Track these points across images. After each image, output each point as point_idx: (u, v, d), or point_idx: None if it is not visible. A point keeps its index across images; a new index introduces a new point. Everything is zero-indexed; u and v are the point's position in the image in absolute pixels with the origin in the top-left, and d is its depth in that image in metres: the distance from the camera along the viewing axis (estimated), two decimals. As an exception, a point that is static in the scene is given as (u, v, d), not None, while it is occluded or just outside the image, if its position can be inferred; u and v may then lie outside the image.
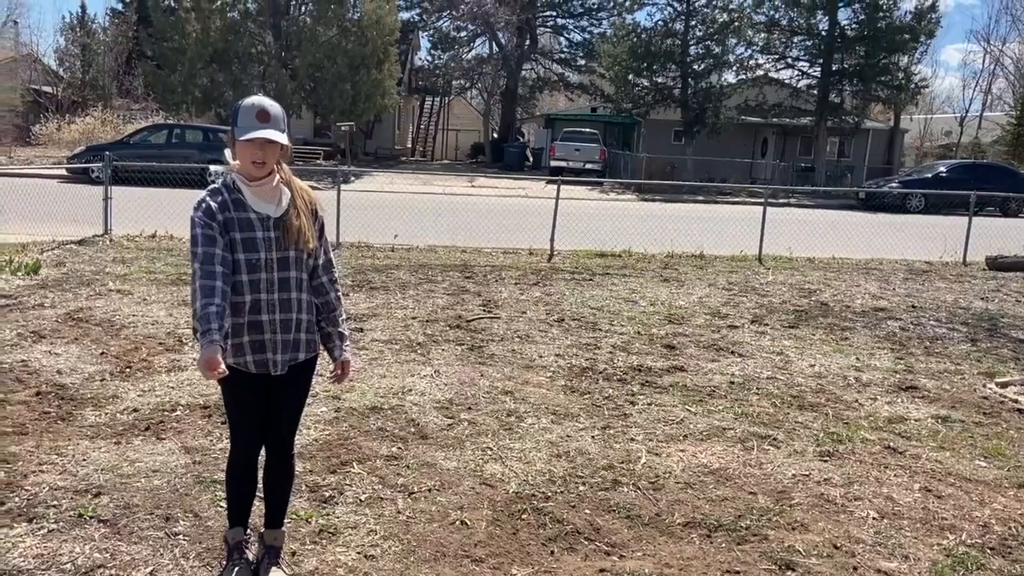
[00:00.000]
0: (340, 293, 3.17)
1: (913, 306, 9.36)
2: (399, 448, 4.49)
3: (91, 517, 3.55)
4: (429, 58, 42.93)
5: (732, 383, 6.01)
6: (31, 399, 4.93)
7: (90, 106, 31.53)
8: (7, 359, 5.62)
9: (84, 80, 37.03)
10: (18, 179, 13.91)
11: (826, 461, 4.61)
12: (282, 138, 2.87)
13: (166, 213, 11.88)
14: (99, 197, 11.78)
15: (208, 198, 2.87)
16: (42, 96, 33.20)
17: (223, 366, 2.68)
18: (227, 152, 2.96)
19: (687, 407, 5.42)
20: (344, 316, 3.18)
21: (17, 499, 3.67)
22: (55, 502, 3.66)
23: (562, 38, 43.17)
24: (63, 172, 19.71)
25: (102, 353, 5.93)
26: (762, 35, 31.16)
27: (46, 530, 3.42)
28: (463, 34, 40.96)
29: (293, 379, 3.05)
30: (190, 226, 2.85)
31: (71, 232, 10.94)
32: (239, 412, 3.08)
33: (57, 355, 5.81)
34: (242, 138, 2.81)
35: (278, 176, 2.92)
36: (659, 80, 30.91)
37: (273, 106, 2.89)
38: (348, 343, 3.19)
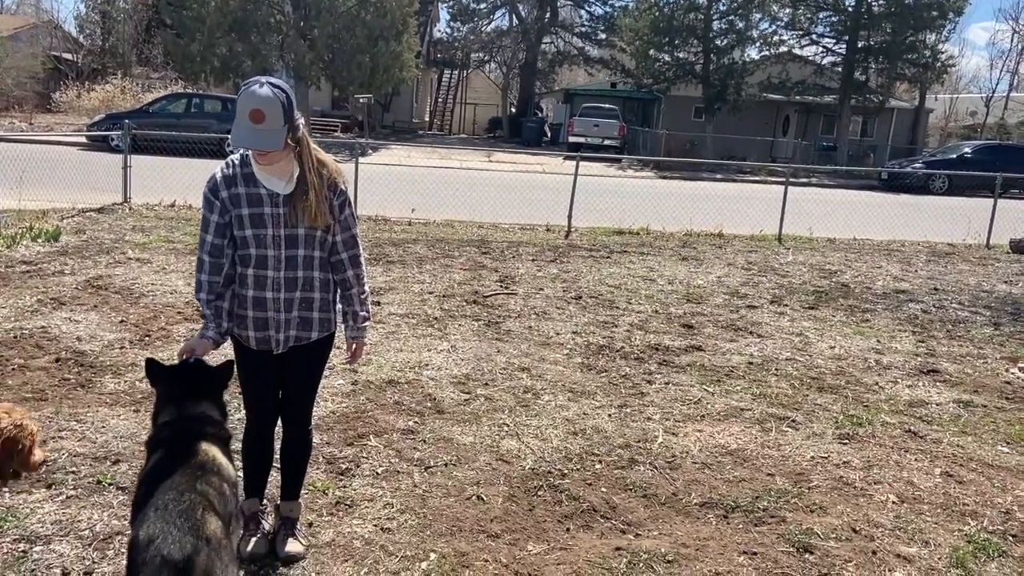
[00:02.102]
0: (362, 272, 3.04)
1: (935, 289, 9.25)
2: (416, 422, 4.49)
3: (110, 484, 3.57)
4: (448, 30, 42.63)
5: (750, 363, 5.96)
6: (51, 365, 4.96)
7: (110, 74, 31.55)
8: (27, 325, 5.66)
9: (104, 48, 37.06)
10: (39, 146, 13.95)
11: (845, 444, 4.56)
12: (275, 142, 2.69)
13: (185, 182, 11.87)
14: (119, 165, 11.79)
15: (219, 171, 2.85)
16: (62, 63, 33.22)
17: (196, 356, 2.82)
18: None
19: (704, 387, 5.38)
20: (365, 294, 3.07)
21: (37, 465, 3.69)
22: (74, 468, 3.69)
23: (583, 11, 42.61)
24: (83, 140, 19.77)
25: (121, 321, 5.96)
26: (787, 10, 30.57)
27: (65, 496, 3.45)
28: (483, 6, 40.55)
29: (304, 356, 3.03)
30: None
31: (91, 200, 10.97)
32: (249, 384, 3.09)
33: (77, 322, 5.84)
34: (232, 145, 2.73)
35: (291, 153, 2.79)
36: (680, 55, 30.46)
37: (270, 101, 2.65)
38: (365, 324, 3.08)
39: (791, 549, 3.40)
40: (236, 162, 2.86)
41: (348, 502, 3.57)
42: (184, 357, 2.82)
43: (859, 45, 29.93)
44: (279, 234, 2.85)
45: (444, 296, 7.40)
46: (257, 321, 2.93)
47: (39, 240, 8.49)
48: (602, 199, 13.50)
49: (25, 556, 3.02)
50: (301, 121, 2.80)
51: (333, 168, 2.93)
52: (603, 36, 40.29)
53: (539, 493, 3.77)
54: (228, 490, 2.53)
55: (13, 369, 4.84)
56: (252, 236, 2.84)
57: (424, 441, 4.25)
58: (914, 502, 3.90)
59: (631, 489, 3.86)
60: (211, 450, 2.59)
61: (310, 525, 3.36)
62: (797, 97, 31.35)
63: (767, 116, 32.78)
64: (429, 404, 4.77)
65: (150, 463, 2.56)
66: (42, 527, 3.21)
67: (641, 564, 3.22)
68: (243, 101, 2.66)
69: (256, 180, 2.82)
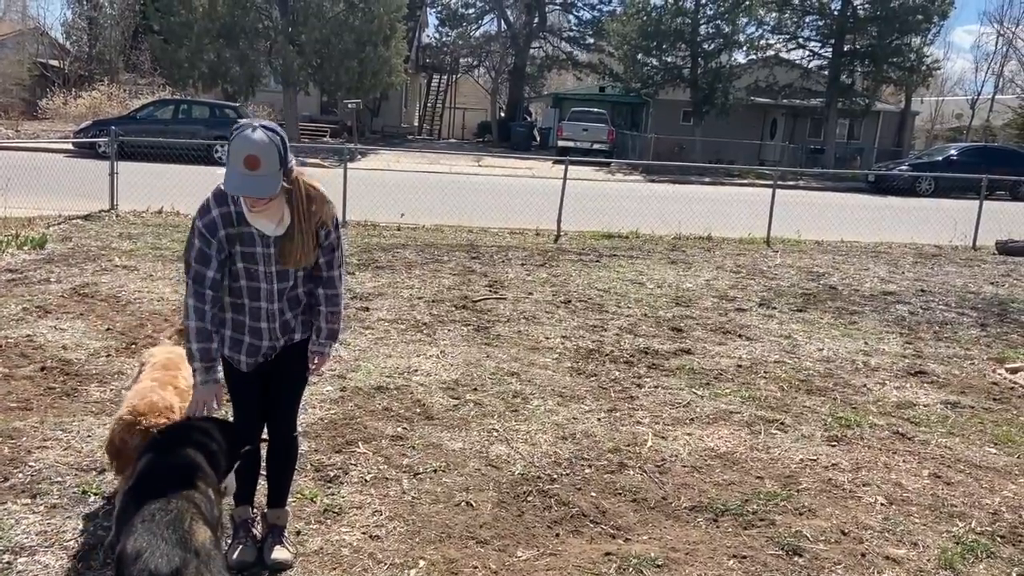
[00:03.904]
0: (335, 292, 3.01)
1: (922, 290, 9.29)
2: (405, 428, 4.47)
3: (95, 494, 3.54)
4: (437, 35, 42.65)
5: (739, 366, 5.97)
6: (36, 374, 4.92)
7: (97, 80, 31.36)
8: (12, 334, 5.61)
9: (91, 54, 36.86)
10: (24, 153, 13.84)
11: (834, 446, 4.57)
12: (271, 188, 2.63)
13: (173, 189, 11.85)
14: (105, 172, 11.73)
15: (213, 207, 2.77)
16: (49, 70, 33.03)
17: (217, 402, 2.90)
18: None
19: (694, 390, 5.38)
20: (335, 313, 3.04)
21: (21, 475, 3.66)
22: (59, 478, 3.66)
23: (571, 16, 42.73)
24: (69, 147, 19.65)
25: (107, 329, 5.92)
26: (773, 14, 30.75)
27: (50, 506, 3.42)
28: (471, 11, 40.61)
29: (289, 358, 3.05)
30: (190, 231, 2.82)
31: (77, 207, 10.90)
32: (236, 395, 3.10)
33: (62, 330, 5.80)
34: (225, 189, 2.68)
35: (283, 196, 2.75)
36: (668, 59, 30.57)
37: (265, 146, 2.60)
38: (329, 340, 3.07)
39: (780, 552, 3.41)
40: (230, 200, 2.78)
41: (336, 509, 3.55)
42: (197, 412, 2.86)
43: (845, 49, 30.11)
44: (271, 271, 2.86)
45: (433, 301, 7.38)
46: (251, 348, 2.97)
47: (25, 248, 8.43)
48: (591, 203, 13.53)
49: (9, 567, 2.98)
50: (294, 163, 2.78)
51: (323, 209, 2.87)
52: (591, 41, 40.42)
53: (528, 498, 3.76)
54: (212, 493, 2.52)
55: (-2, 378, 4.80)
56: (243, 269, 2.85)
57: (413, 447, 4.23)
58: (903, 504, 3.91)
59: (621, 493, 3.86)
60: (196, 456, 2.59)
61: (298, 533, 3.33)
62: (784, 100, 31.53)
63: (755, 119, 32.94)
64: (418, 410, 4.75)
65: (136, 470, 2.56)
66: (27, 538, 3.18)
67: (631, 569, 3.21)
68: (236, 146, 2.60)
69: (246, 219, 2.78)
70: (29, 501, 3.45)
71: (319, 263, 2.96)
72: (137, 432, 2.97)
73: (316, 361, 3.10)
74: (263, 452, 3.25)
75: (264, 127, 2.65)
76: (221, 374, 2.92)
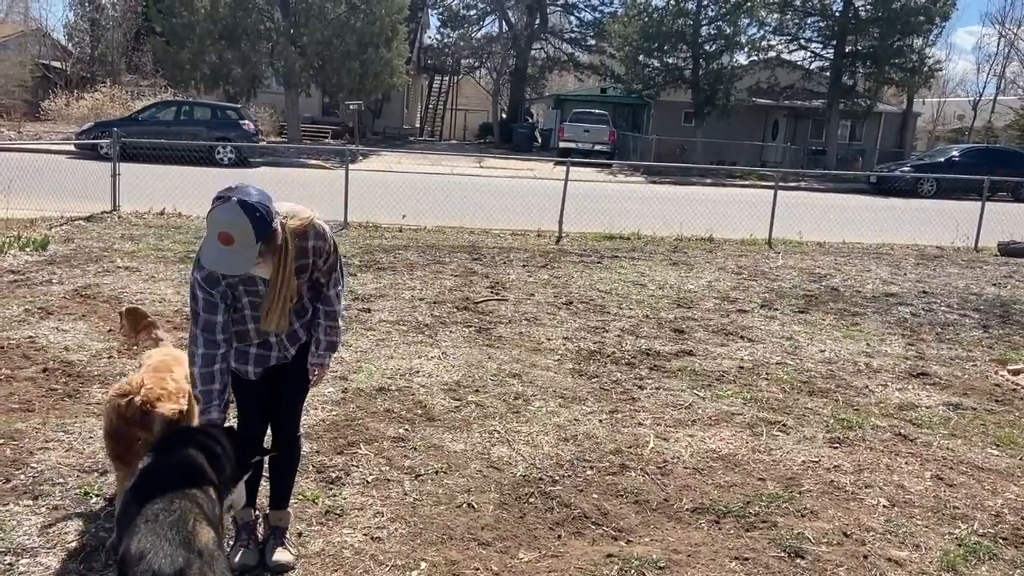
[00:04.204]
0: (333, 308, 2.99)
1: (924, 292, 9.28)
2: (406, 430, 4.47)
3: (97, 495, 3.54)
4: (438, 36, 42.73)
5: (741, 368, 5.97)
6: (38, 376, 4.92)
7: (99, 82, 31.42)
8: (14, 335, 5.62)
9: (93, 55, 36.96)
10: (27, 154, 13.86)
11: (836, 448, 4.57)
12: (246, 264, 2.56)
13: (175, 190, 11.87)
14: (107, 173, 11.75)
15: None
16: (51, 71, 33.09)
17: None
18: None
19: (696, 392, 5.38)
20: (334, 328, 3.02)
21: (23, 476, 3.67)
22: (61, 480, 3.66)
23: (572, 17, 42.78)
24: (72, 148, 19.68)
25: (109, 330, 5.92)
26: (775, 15, 30.76)
27: (52, 507, 3.42)
28: (473, 12, 40.68)
29: (292, 360, 3.06)
30: (190, 285, 2.81)
31: (79, 208, 10.91)
32: (242, 399, 3.11)
33: (64, 332, 5.80)
34: (202, 262, 2.65)
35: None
36: (670, 61, 30.58)
37: (237, 223, 2.47)
38: (327, 352, 3.06)
39: (782, 554, 3.40)
40: None
41: (338, 511, 3.55)
42: None
43: (847, 50, 30.12)
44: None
45: (435, 302, 7.39)
46: (259, 358, 3.00)
47: (27, 249, 8.44)
48: (593, 204, 13.53)
49: (11, 569, 2.99)
50: (279, 225, 2.64)
51: (318, 245, 2.82)
52: (593, 42, 40.46)
53: (530, 500, 3.76)
54: (214, 493, 2.52)
55: (0, 380, 4.80)
56: (249, 303, 2.87)
57: (415, 449, 4.23)
58: (905, 506, 3.91)
59: (622, 495, 3.85)
60: (198, 457, 2.59)
61: (299, 535, 3.33)
62: (786, 102, 31.53)
63: (756, 121, 32.93)
64: (420, 411, 4.75)
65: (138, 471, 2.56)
66: (28, 539, 3.18)
67: (633, 571, 3.21)
68: (211, 219, 2.52)
69: None
70: (31, 502, 3.45)
71: (319, 281, 2.95)
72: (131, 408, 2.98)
73: (316, 373, 3.09)
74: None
75: (242, 199, 2.50)
76: (220, 415, 2.88)
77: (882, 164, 29.12)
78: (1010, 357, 6.64)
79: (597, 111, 31.68)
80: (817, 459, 4.39)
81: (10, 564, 3.01)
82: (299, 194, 13.62)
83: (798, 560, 3.36)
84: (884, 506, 3.88)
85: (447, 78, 44.00)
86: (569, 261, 10.00)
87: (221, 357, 2.84)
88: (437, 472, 3.98)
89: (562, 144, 29.45)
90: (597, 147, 29.26)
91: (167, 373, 3.22)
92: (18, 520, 3.30)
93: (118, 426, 3.00)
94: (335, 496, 3.68)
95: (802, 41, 31.57)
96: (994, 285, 10.00)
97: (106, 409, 3.08)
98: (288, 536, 3.23)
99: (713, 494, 3.90)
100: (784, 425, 4.86)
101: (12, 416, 4.31)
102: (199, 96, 25.66)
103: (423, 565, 3.18)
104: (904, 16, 28.58)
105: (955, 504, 3.95)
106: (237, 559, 3.08)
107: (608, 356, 6.06)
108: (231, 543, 3.16)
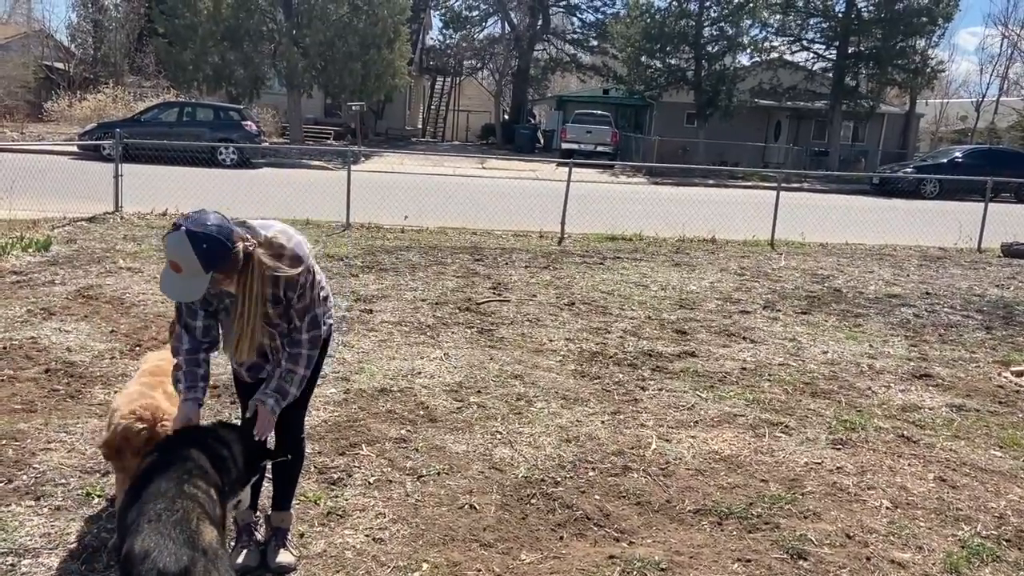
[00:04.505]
0: (297, 352, 2.88)
1: (927, 293, 9.27)
2: (408, 431, 4.47)
3: (99, 496, 3.54)
4: (440, 37, 42.72)
5: (744, 369, 5.96)
6: (40, 376, 4.92)
7: (101, 83, 31.46)
8: (17, 336, 5.62)
9: (96, 57, 36.99)
10: (29, 155, 13.88)
11: (839, 449, 4.56)
12: (195, 292, 2.56)
13: (177, 191, 11.88)
14: (110, 174, 11.75)
15: None
16: (54, 72, 33.13)
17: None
18: None
19: (698, 393, 5.37)
20: (289, 373, 2.89)
21: (25, 477, 3.67)
22: (63, 480, 3.66)
23: (575, 18, 42.74)
24: (74, 149, 19.70)
25: (112, 331, 5.92)
26: (777, 16, 30.72)
27: (54, 508, 3.42)
28: (475, 13, 40.65)
29: None
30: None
31: (82, 209, 10.93)
32: (244, 400, 3.10)
33: (67, 332, 5.81)
34: (160, 287, 2.69)
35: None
36: (672, 62, 30.55)
37: (182, 253, 2.49)
38: (274, 395, 2.88)
39: (785, 556, 3.39)
40: None
41: (340, 512, 3.55)
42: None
43: (849, 51, 30.08)
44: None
45: (437, 303, 7.38)
46: (254, 367, 3.01)
47: (29, 250, 8.45)
48: (595, 205, 13.52)
49: (13, 569, 2.99)
50: (241, 249, 2.60)
51: (290, 277, 2.75)
52: (595, 43, 40.41)
53: (532, 501, 3.76)
54: (215, 493, 2.52)
55: (2, 380, 4.80)
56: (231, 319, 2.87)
57: (416, 450, 4.23)
58: (908, 507, 3.90)
59: (625, 496, 3.85)
60: (199, 456, 2.59)
61: (301, 536, 3.33)
62: (788, 103, 31.48)
63: (759, 122, 32.89)
64: (422, 412, 4.75)
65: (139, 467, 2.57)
66: (31, 540, 3.18)
67: (635, 572, 3.21)
68: (166, 245, 2.56)
69: None
70: (33, 503, 3.45)
71: (293, 313, 2.84)
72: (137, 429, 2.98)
73: (256, 410, 2.87)
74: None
75: (191, 229, 2.51)
76: (203, 396, 2.89)
77: (885, 165, 29.07)
78: (1013, 358, 6.63)
79: (599, 112, 31.68)
80: (820, 460, 4.38)
81: (12, 565, 3.01)
82: (301, 195, 13.64)
83: (801, 562, 3.36)
84: (887, 508, 3.87)
85: (449, 79, 44.01)
86: (571, 262, 10.00)
87: (205, 350, 2.89)
88: (439, 473, 3.97)
89: (564, 145, 29.46)
90: (599, 148, 29.25)
91: (164, 377, 3.21)
92: (20, 521, 3.30)
93: (120, 444, 2.98)
94: (337, 497, 3.68)
95: (804, 42, 31.53)
96: (997, 286, 9.98)
97: (115, 424, 3.04)
98: (290, 537, 3.22)
99: (715, 495, 3.90)
100: (787, 426, 4.85)
101: (14, 417, 4.31)
102: (201, 97, 25.68)
103: (425, 566, 3.17)
104: (907, 17, 28.55)
105: (958, 506, 3.94)
106: (239, 560, 3.08)
107: (610, 357, 6.06)
108: (232, 544, 3.16)
